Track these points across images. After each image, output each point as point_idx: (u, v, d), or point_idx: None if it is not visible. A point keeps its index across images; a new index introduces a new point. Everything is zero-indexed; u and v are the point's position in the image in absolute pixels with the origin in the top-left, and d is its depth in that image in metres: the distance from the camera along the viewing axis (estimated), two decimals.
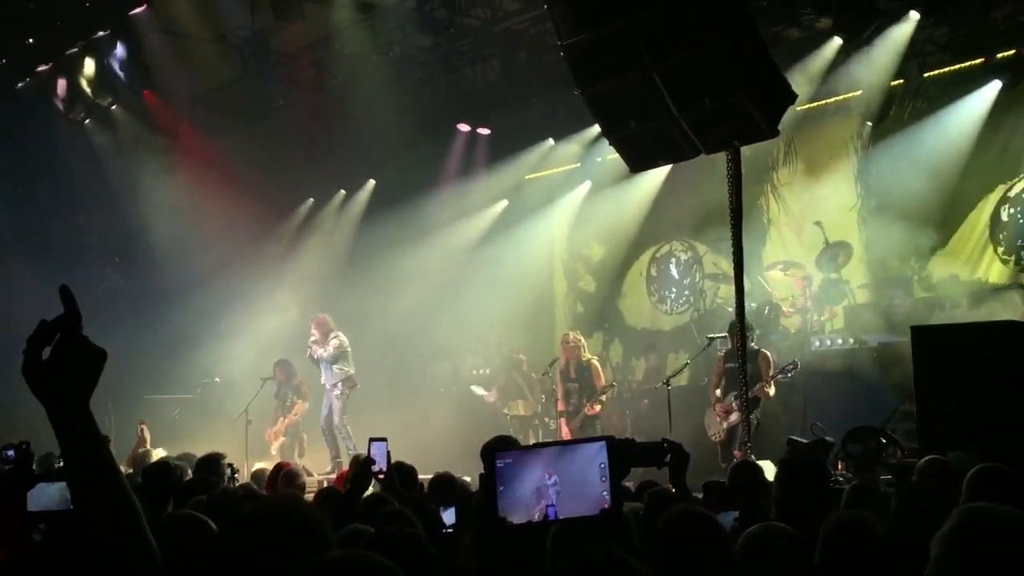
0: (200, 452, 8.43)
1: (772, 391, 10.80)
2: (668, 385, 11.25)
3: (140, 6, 13.91)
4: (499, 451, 2.97)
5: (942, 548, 2.39)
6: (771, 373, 10.75)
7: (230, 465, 7.78)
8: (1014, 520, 2.36)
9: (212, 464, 7.70)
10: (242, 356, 15.35)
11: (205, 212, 15.75)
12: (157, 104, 15.78)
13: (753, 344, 10.78)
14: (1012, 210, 13.31)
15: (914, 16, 12.22)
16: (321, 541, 2.12)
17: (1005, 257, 13.29)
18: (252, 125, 16.54)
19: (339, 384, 13.28)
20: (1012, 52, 12.50)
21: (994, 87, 12.80)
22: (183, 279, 16.05)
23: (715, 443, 11.28)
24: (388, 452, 5.60)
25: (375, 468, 5.50)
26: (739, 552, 3.51)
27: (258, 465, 11.14)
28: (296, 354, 14.24)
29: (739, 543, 3.56)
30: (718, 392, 11.16)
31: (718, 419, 11.08)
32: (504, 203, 17.58)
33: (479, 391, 15.22)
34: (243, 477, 10.09)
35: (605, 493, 2.93)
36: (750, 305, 12.31)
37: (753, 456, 10.05)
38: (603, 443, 2.98)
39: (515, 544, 3.00)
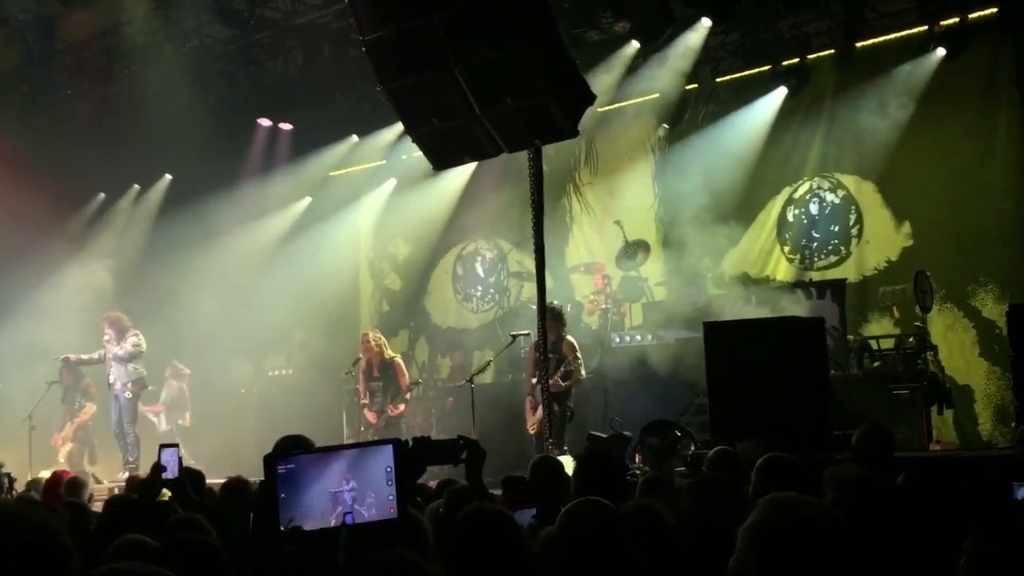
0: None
1: (568, 382, 10.90)
2: (471, 383, 11.26)
3: None
4: (282, 457, 2.87)
5: (749, 540, 2.41)
6: (577, 358, 10.92)
7: (7, 475, 7.31)
8: (815, 509, 2.42)
9: None
10: (25, 359, 14.48)
11: None
12: None
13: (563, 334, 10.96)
14: (797, 211, 14.00)
15: (706, 23, 12.67)
16: (48, 555, 1.93)
17: (791, 256, 13.97)
18: (37, 116, 15.60)
19: (130, 384, 12.70)
20: (796, 60, 13.15)
21: (780, 93, 13.45)
22: None
23: (528, 437, 11.29)
24: (180, 458, 5.37)
25: (166, 475, 5.26)
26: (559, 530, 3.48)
27: (41, 473, 10.52)
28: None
29: (558, 521, 3.53)
30: (533, 381, 11.22)
31: (531, 411, 11.15)
32: (307, 200, 17.29)
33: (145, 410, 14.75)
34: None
35: (391, 497, 2.87)
36: (553, 302, 12.49)
37: (563, 450, 10.21)
38: (390, 446, 2.92)
39: (303, 551, 2.89)
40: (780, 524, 2.37)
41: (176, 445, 5.42)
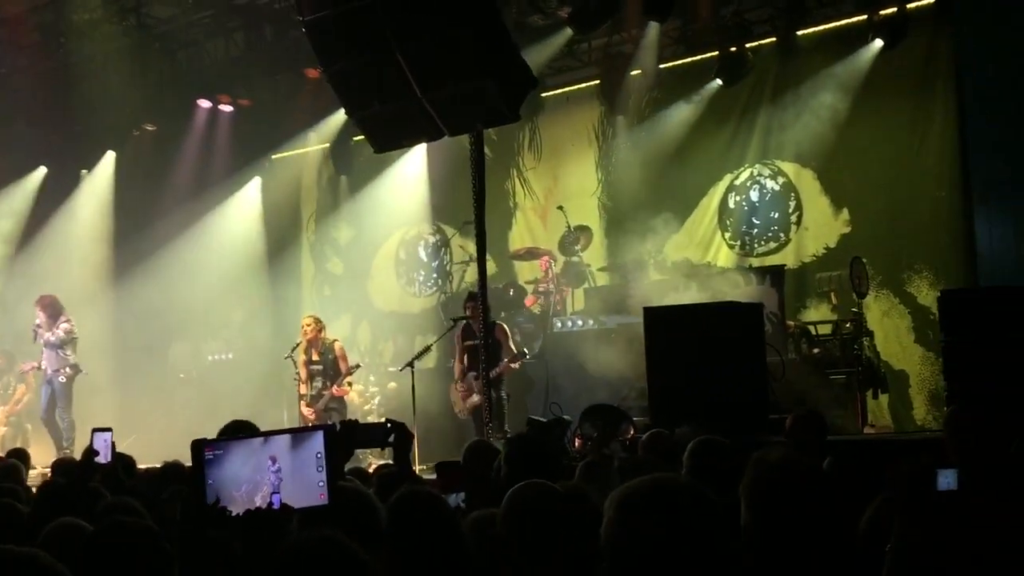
0: None
1: (516, 365, 11.06)
2: (412, 367, 11.21)
3: None
4: (211, 442, 2.85)
5: (616, 509, 2.46)
6: (510, 344, 11.00)
7: None
8: (672, 485, 2.46)
9: None
10: None
11: None
12: None
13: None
14: (738, 198, 14.12)
15: None
16: None
17: (732, 242, 14.09)
18: None
19: (62, 371, 12.47)
20: (737, 48, 13.21)
21: (723, 79, 13.51)
22: None
23: (469, 421, 11.40)
24: (113, 443, 5.34)
25: (98, 460, 5.22)
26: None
27: None
28: (16, 341, 13.33)
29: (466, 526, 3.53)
30: (462, 367, 11.34)
31: (461, 397, 11.28)
32: (249, 182, 17.09)
33: None
34: None
35: (321, 483, 2.86)
36: (495, 287, 12.51)
37: (505, 432, 10.24)
38: (320, 432, 2.90)
39: (230, 534, 2.86)
40: (637, 500, 2.41)
41: (109, 429, 5.39)
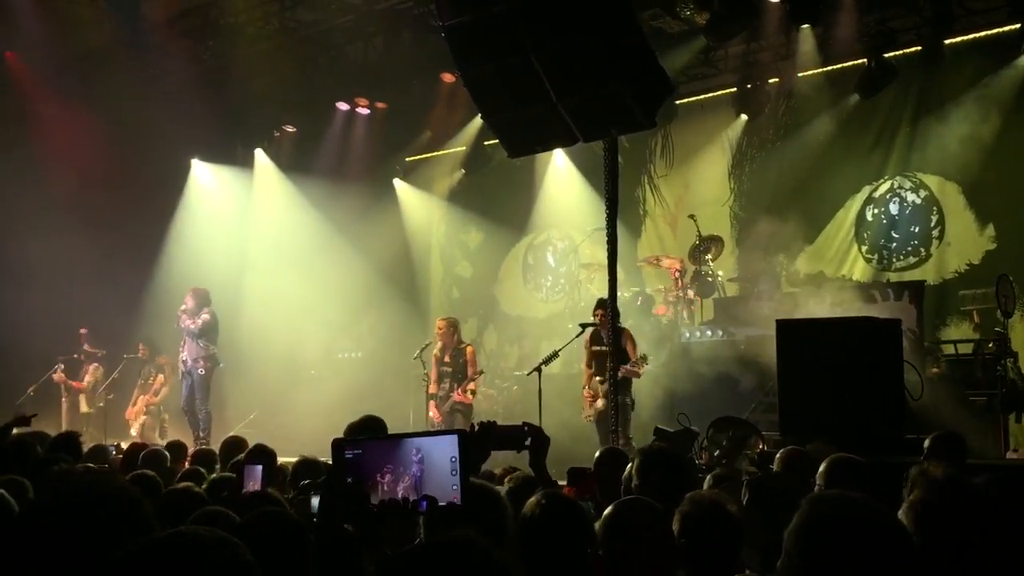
0: (55, 431, 8.13)
1: (639, 371, 10.94)
2: (539, 372, 11.22)
3: None
4: (350, 441, 2.87)
5: (793, 540, 2.38)
6: (635, 350, 10.89)
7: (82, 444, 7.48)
8: (859, 506, 2.37)
9: (67, 443, 7.37)
10: (103, 333, 14.78)
11: (63, 183, 14.92)
12: (20, 67, 15.01)
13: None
14: (876, 210, 13.75)
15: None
16: (135, 519, 2.01)
17: (868, 256, 13.72)
18: (124, 93, 15.86)
19: (201, 360, 12.81)
20: (880, 56, 12.85)
21: (863, 89, 13.16)
22: (40, 247, 15.23)
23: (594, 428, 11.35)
24: (264, 477, 5.38)
25: (249, 489, 5.25)
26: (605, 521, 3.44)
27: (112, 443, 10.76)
28: (162, 330, 13.80)
29: (605, 515, 3.49)
30: (589, 372, 11.35)
31: (588, 402, 11.28)
32: (382, 184, 17.38)
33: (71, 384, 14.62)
34: None
35: (455, 487, 2.86)
36: (623, 295, 12.44)
37: (628, 439, 10.20)
38: (455, 436, 2.89)
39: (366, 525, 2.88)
40: (821, 524, 2.32)
41: (260, 464, 5.40)
